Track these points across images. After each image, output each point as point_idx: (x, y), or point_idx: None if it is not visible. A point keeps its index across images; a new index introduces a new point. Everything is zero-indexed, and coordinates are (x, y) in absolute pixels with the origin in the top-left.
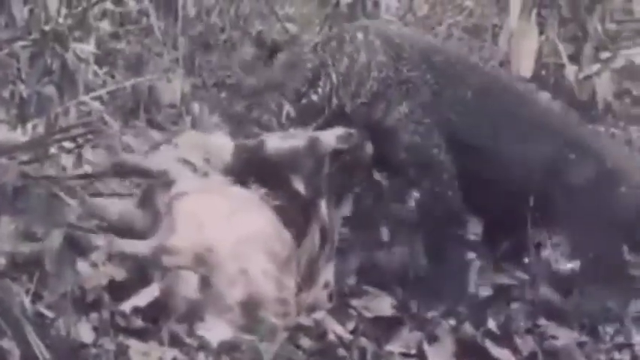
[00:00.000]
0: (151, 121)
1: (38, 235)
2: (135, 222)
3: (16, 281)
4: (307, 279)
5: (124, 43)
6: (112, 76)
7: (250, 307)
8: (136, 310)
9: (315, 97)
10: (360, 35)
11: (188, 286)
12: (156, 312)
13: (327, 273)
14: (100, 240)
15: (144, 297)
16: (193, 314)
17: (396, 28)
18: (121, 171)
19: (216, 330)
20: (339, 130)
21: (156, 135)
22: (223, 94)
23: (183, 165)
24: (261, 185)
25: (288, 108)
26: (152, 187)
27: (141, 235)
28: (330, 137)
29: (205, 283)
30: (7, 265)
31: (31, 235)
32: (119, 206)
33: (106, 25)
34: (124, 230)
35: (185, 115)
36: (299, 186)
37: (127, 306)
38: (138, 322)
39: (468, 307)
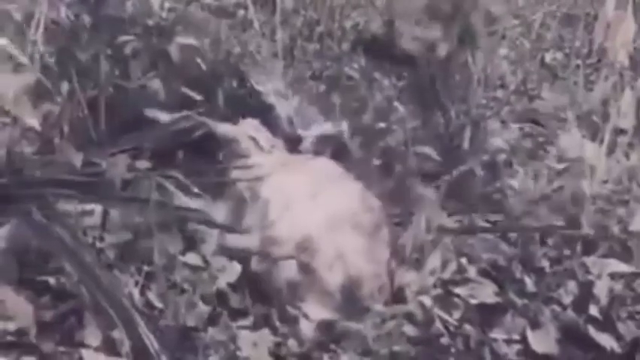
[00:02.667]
0: None
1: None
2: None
3: (125, 273)
4: (414, 264)
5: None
6: None
7: (350, 289)
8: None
9: None
10: None
11: (289, 270)
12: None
13: (435, 260)
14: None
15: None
16: (294, 295)
17: None
18: (199, 132)
19: (316, 310)
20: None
21: None
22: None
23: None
24: None
25: None
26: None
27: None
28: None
29: (306, 269)
30: (115, 257)
31: (139, 228)
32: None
33: None
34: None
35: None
36: None
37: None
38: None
39: None
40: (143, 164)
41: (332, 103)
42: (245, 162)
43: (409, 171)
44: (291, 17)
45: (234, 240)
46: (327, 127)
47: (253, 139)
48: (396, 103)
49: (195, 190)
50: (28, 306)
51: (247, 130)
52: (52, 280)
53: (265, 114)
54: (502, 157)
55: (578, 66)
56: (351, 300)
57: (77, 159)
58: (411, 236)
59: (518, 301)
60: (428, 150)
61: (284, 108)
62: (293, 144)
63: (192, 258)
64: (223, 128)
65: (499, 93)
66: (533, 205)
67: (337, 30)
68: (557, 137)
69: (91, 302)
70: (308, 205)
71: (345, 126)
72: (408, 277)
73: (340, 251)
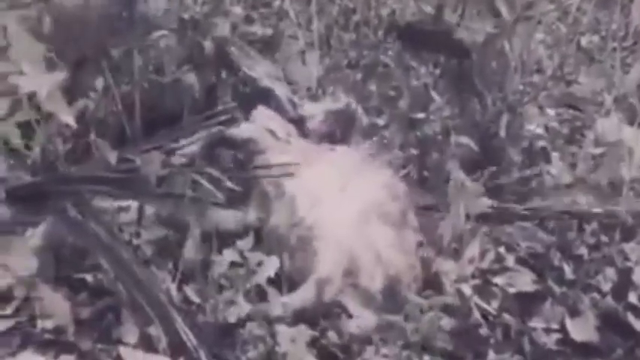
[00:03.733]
0: None
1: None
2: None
3: (162, 269)
4: (452, 252)
5: (257, 26)
6: None
7: (391, 288)
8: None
9: None
10: None
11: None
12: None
13: (473, 248)
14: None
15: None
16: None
17: None
18: (213, 142)
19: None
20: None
21: None
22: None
23: (267, 133)
24: None
25: None
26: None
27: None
28: None
29: (351, 286)
30: (152, 253)
31: (175, 223)
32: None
33: (238, 10)
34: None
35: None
36: None
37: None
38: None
39: None
40: (178, 160)
41: (369, 91)
42: (267, 161)
43: (447, 159)
44: (327, 6)
45: (289, 300)
46: (329, 103)
47: (270, 130)
48: (432, 92)
49: (229, 184)
50: (65, 304)
51: (262, 120)
52: (88, 278)
53: (265, 99)
54: (540, 143)
55: (614, 49)
56: (392, 298)
57: (112, 155)
58: (449, 225)
59: (557, 289)
60: (465, 139)
61: (282, 90)
62: (300, 125)
63: (229, 254)
64: (238, 130)
65: (536, 78)
66: (571, 191)
67: (374, 18)
68: (594, 121)
69: (128, 299)
70: (336, 199)
71: (346, 98)
72: (446, 267)
73: (377, 253)
